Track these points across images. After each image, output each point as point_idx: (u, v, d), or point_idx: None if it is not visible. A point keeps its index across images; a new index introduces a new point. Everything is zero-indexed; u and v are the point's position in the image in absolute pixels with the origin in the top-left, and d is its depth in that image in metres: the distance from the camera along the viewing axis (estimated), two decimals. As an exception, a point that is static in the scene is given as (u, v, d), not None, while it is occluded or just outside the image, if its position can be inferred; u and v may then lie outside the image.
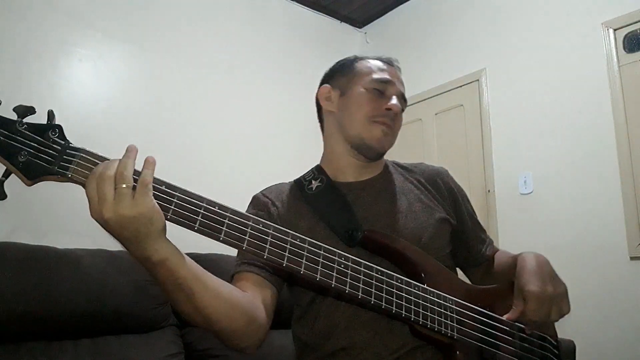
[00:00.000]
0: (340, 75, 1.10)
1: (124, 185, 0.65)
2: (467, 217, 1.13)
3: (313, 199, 1.02)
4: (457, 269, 1.15)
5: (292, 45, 3.37)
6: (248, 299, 0.86)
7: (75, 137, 2.34)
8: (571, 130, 2.60)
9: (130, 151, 0.69)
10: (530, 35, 2.86)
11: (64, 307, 1.48)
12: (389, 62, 1.10)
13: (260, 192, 1.08)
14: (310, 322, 0.96)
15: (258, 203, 1.04)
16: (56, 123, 0.71)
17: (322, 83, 1.13)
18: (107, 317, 1.57)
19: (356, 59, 1.11)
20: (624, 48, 2.47)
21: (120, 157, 0.68)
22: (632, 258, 2.30)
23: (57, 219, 2.11)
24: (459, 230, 1.09)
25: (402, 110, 1.06)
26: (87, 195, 0.66)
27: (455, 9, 3.30)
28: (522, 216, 2.74)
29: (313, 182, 1.06)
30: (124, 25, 2.71)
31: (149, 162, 0.69)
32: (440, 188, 1.10)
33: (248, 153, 3.02)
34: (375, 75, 1.05)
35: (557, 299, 0.89)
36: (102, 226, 0.66)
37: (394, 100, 1.03)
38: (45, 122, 0.71)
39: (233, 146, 2.99)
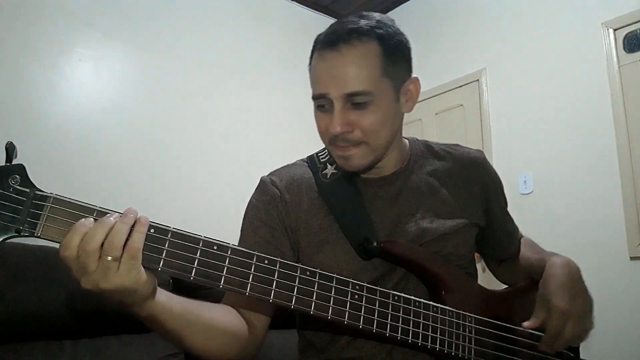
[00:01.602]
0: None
1: (110, 258, 0.57)
2: (498, 211, 1.03)
3: (327, 190, 0.91)
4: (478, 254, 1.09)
5: (292, 45, 3.36)
6: (240, 325, 0.82)
7: (75, 137, 2.34)
8: (571, 130, 2.60)
9: (127, 216, 0.59)
10: (530, 35, 2.86)
11: (64, 307, 1.48)
12: (332, 46, 0.81)
13: (269, 176, 0.95)
14: (316, 322, 0.91)
15: (266, 192, 0.92)
16: (17, 163, 0.58)
17: None
18: (107, 317, 1.56)
19: (314, 47, 0.87)
20: (624, 48, 2.47)
21: (102, 209, 0.59)
22: (632, 258, 2.30)
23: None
24: (487, 229, 1.00)
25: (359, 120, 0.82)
26: (63, 261, 0.58)
27: (455, 9, 3.30)
28: (522, 216, 2.72)
29: (329, 166, 0.94)
30: (124, 25, 2.71)
31: (141, 224, 0.60)
32: (472, 183, 0.98)
33: (249, 152, 3.02)
34: (314, 90, 0.85)
35: (583, 316, 0.85)
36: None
37: (339, 120, 0.81)
38: (4, 162, 0.58)
39: (234, 146, 2.99)
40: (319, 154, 0.99)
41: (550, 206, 2.64)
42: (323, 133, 0.87)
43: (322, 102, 0.84)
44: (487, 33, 3.09)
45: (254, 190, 0.96)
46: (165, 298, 0.68)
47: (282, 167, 0.99)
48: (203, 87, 2.95)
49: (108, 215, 0.59)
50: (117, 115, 2.60)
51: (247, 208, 0.94)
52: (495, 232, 1.03)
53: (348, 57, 0.80)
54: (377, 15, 0.86)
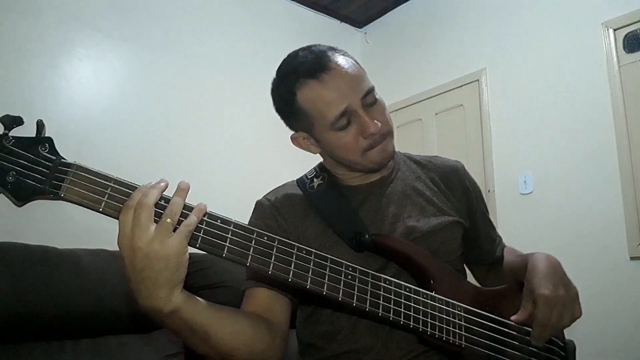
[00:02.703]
0: (293, 119, 0.96)
1: (169, 220, 0.62)
2: (480, 216, 1.08)
3: (316, 199, 0.97)
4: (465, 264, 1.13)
5: (292, 45, 3.34)
6: (263, 322, 0.84)
7: (75, 137, 2.35)
8: (571, 130, 2.61)
9: (183, 190, 0.66)
10: (530, 35, 2.86)
11: (64, 307, 1.48)
12: (325, 67, 0.87)
13: (265, 197, 1.01)
14: (314, 324, 0.96)
15: (264, 211, 0.98)
16: (46, 136, 0.66)
17: (285, 119, 1.00)
18: (107, 317, 1.57)
19: (289, 88, 0.92)
20: (624, 48, 2.47)
21: (119, 178, 0.65)
22: (632, 258, 2.30)
23: (57, 219, 2.11)
24: (470, 231, 1.05)
25: (382, 107, 0.92)
26: (120, 222, 0.63)
27: (455, 9, 3.30)
28: (522, 216, 2.74)
29: (315, 180, 1.01)
30: (124, 25, 2.71)
31: (200, 209, 0.66)
32: (455, 188, 1.04)
33: (249, 153, 3.02)
34: (331, 114, 0.87)
35: (568, 303, 0.87)
36: (124, 257, 0.62)
37: (371, 121, 0.88)
38: (34, 135, 0.66)
39: (233, 146, 2.99)
40: (307, 174, 1.05)
41: (550, 206, 2.64)
42: (353, 147, 0.90)
43: (343, 121, 0.88)
44: (487, 33, 3.09)
45: (252, 213, 1.00)
46: (187, 293, 0.69)
47: (274, 189, 1.04)
48: (203, 86, 2.95)
49: (160, 182, 0.66)
50: (117, 115, 2.60)
51: None
52: (477, 236, 1.08)
53: (344, 68, 0.88)
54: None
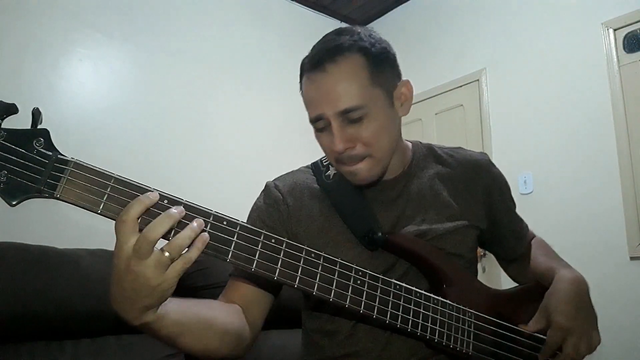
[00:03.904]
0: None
1: (167, 254, 0.59)
2: (504, 212, 1.03)
3: (330, 189, 0.93)
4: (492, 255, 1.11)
5: (292, 45, 3.36)
6: (237, 321, 0.82)
7: (74, 137, 2.34)
8: (571, 130, 2.61)
9: (197, 225, 0.61)
10: (530, 35, 2.86)
11: (64, 307, 1.48)
12: (318, 67, 0.82)
13: (274, 181, 0.98)
14: (316, 319, 0.95)
15: (270, 196, 0.95)
16: (41, 127, 0.60)
17: None
18: (107, 317, 1.56)
19: (300, 71, 0.88)
20: (624, 48, 2.47)
21: (119, 176, 0.62)
22: (632, 258, 2.30)
23: (57, 219, 2.11)
24: (491, 231, 1.00)
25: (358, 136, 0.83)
26: (117, 235, 0.59)
27: (455, 9, 3.30)
28: (522, 216, 2.74)
29: (331, 167, 0.96)
30: (124, 25, 2.72)
31: (202, 241, 0.61)
32: (475, 187, 0.98)
33: (249, 153, 3.02)
34: (309, 113, 0.86)
35: (584, 333, 0.87)
36: (115, 265, 0.60)
37: (340, 139, 0.82)
38: (30, 125, 0.60)
39: (233, 146, 2.99)
40: (322, 159, 1.00)
41: (550, 206, 2.64)
42: (328, 153, 0.88)
43: (320, 125, 0.85)
44: (487, 33, 3.09)
45: (259, 194, 0.98)
46: (161, 309, 0.66)
47: (286, 173, 1.01)
48: (203, 86, 2.95)
49: (173, 208, 0.61)
50: (117, 115, 2.60)
51: (251, 210, 0.97)
52: (501, 233, 1.04)
53: (335, 75, 0.81)
54: (356, 28, 0.88)
